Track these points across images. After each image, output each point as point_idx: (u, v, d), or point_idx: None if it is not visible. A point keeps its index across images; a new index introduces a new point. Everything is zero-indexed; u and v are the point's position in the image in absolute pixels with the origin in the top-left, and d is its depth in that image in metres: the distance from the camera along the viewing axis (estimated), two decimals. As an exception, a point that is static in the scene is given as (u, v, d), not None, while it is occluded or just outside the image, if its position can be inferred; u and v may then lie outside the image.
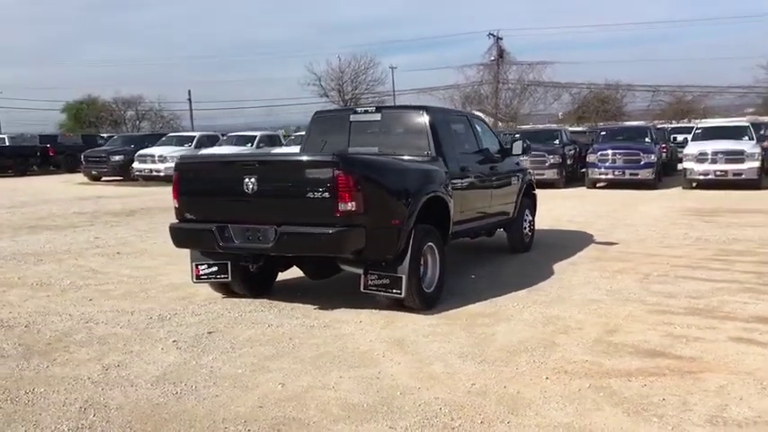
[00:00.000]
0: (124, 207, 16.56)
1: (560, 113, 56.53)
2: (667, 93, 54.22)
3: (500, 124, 47.78)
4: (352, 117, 7.69)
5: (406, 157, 6.88)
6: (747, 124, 21.44)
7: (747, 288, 6.96)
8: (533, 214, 9.76)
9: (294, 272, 7.20)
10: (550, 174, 19.99)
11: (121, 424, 3.90)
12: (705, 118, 47.81)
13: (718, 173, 18.47)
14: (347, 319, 6.02)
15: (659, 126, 28.20)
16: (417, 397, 4.21)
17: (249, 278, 6.74)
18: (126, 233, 11.86)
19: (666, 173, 22.15)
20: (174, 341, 5.45)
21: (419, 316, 6.04)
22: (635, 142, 20.41)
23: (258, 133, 26.55)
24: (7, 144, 32.29)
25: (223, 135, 27.93)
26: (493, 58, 53.11)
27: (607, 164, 19.62)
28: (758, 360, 4.83)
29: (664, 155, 22.39)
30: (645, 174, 19.38)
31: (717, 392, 4.24)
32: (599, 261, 8.61)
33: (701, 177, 18.70)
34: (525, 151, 8.81)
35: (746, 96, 53.99)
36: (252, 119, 62.76)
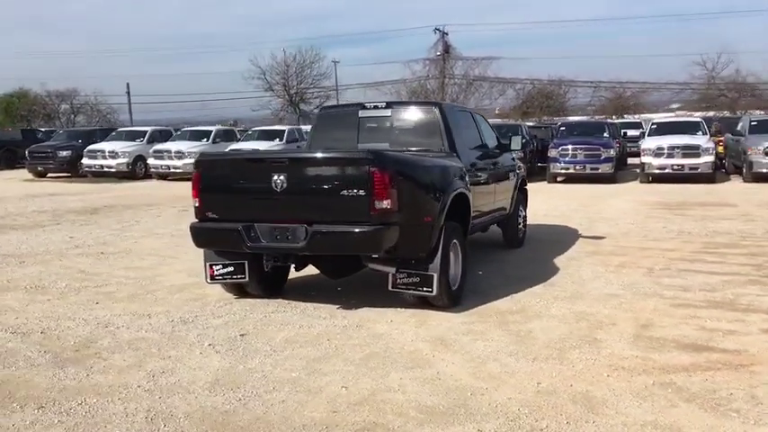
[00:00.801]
0: (85, 205, 15.97)
1: (497, 109, 57.13)
2: (608, 89, 55.62)
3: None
4: (362, 113, 7.56)
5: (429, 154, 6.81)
6: (700, 120, 22.18)
7: (753, 281, 7.15)
8: (525, 209, 9.84)
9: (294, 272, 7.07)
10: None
11: (196, 434, 3.74)
12: (641, 114, 49.33)
13: (675, 167, 19.02)
14: (375, 318, 5.93)
15: (610, 122, 28.82)
16: (489, 398, 4.16)
17: (263, 278, 6.59)
18: (100, 232, 11.44)
19: (617, 167, 22.69)
20: (209, 344, 5.26)
21: (447, 314, 5.99)
22: (594, 137, 20.82)
23: (214, 128, 26.06)
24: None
25: (176, 130, 27.24)
26: (439, 54, 53.50)
27: (567, 158, 19.98)
28: (799, 351, 4.95)
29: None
30: (605, 168, 19.82)
31: (778, 385, 4.32)
32: (597, 255, 8.73)
33: (658, 171, 19.23)
34: (524, 146, 8.84)
35: (683, 92, 55.83)
36: (187, 113, 61.43)
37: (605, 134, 21.42)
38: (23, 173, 26.87)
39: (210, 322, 5.90)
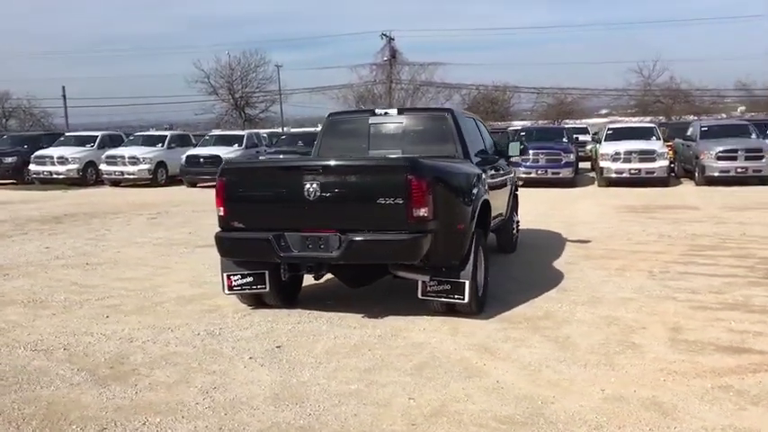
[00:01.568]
0: (43, 213, 15.37)
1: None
2: (550, 95, 56.85)
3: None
4: (372, 119, 7.49)
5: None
6: (654, 125, 22.82)
7: (753, 282, 7.36)
8: (518, 214, 9.93)
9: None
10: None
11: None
12: (581, 119, 50.61)
13: (632, 171, 19.52)
14: (406, 326, 5.87)
15: (567, 127, 29.44)
16: (561, 406, 4.15)
17: (281, 288, 6.45)
18: (74, 242, 11.02)
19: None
20: (250, 358, 5.11)
21: (477, 321, 5.98)
22: (555, 142, 21.20)
23: (168, 133, 25.45)
24: None
25: (127, 135, 26.48)
26: (386, 59, 53.69)
27: (529, 163, 20.26)
28: (833, 351, 5.12)
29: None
30: (565, 173, 20.22)
31: (828, 385, 4.45)
32: (591, 259, 8.86)
33: (616, 176, 19.70)
34: (522, 152, 8.92)
35: (621, 98, 57.49)
36: (123, 117, 59.95)
37: (564, 139, 21.83)
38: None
39: (239, 334, 5.73)
